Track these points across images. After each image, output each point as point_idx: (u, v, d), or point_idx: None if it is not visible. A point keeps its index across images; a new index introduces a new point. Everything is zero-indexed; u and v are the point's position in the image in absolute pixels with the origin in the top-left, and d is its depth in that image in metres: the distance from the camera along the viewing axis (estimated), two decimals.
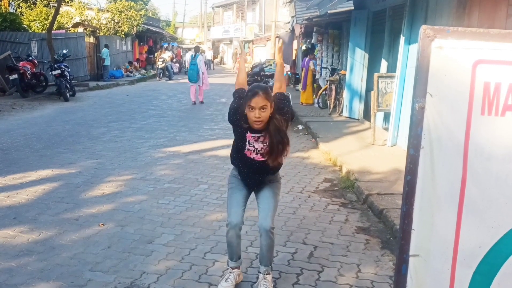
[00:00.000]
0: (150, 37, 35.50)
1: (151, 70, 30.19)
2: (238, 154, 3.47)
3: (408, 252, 1.90)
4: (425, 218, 1.87)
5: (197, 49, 15.66)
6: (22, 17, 20.96)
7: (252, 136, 3.32)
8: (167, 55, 27.61)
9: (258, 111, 3.16)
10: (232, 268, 3.64)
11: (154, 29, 35.48)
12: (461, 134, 1.83)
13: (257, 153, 3.36)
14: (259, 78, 12.55)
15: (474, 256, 1.87)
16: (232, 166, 3.69)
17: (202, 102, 15.35)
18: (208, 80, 15.73)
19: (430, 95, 1.82)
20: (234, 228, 3.48)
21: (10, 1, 21.28)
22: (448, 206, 1.85)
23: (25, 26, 20.40)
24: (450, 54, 1.81)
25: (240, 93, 3.52)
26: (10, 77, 14.76)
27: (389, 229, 4.71)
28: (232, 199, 3.56)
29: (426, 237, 1.88)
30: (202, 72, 14.82)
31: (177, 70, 30.85)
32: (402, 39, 7.99)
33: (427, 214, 1.87)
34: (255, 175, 3.48)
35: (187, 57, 31.57)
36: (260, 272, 3.57)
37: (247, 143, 3.35)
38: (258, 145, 3.34)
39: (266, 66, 15.09)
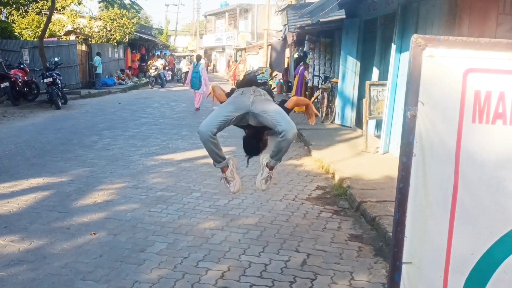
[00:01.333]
0: (142, 45, 35.50)
1: (144, 78, 30.15)
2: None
3: (401, 260, 1.90)
4: (417, 225, 1.88)
5: (199, 58, 16.28)
6: (13, 25, 20.89)
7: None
8: (159, 63, 27.62)
9: None
10: (223, 170, 3.69)
11: (146, 37, 35.47)
12: (452, 141, 1.84)
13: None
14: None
15: (466, 263, 1.88)
16: None
17: (197, 109, 15.50)
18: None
19: (421, 103, 1.84)
20: (207, 138, 3.47)
21: (2, 9, 21.21)
22: (441, 213, 1.86)
23: (17, 34, 20.32)
24: (441, 62, 1.83)
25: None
26: (1, 85, 14.63)
27: (382, 237, 4.72)
28: (216, 113, 3.59)
29: (419, 245, 1.88)
30: (204, 80, 15.34)
31: (170, 78, 30.84)
32: (393, 47, 8.05)
33: (419, 221, 1.88)
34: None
35: (182, 65, 31.78)
36: (267, 165, 3.68)
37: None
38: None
39: (259, 74, 15.11)
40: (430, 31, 6.78)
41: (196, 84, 15.28)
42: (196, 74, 15.29)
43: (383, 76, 9.10)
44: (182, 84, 29.35)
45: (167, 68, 30.84)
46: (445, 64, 1.83)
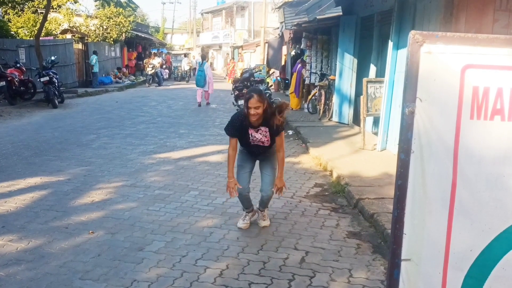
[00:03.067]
0: (139, 43, 35.42)
1: (141, 77, 30.11)
2: (245, 145, 4.76)
3: (400, 257, 1.90)
4: (416, 222, 1.88)
5: (203, 57, 17.07)
6: (9, 23, 20.82)
7: (253, 130, 4.59)
8: (156, 61, 27.56)
9: (254, 109, 4.38)
10: (248, 212, 4.97)
11: (143, 35, 35.41)
12: (451, 138, 1.84)
13: (258, 142, 4.65)
14: (248, 84, 12.59)
15: (465, 260, 1.88)
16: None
17: (208, 104, 16.51)
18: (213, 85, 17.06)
19: (419, 99, 1.84)
20: (244, 196, 4.83)
21: None
22: (439, 210, 1.86)
23: (13, 33, 20.26)
24: (439, 59, 1.82)
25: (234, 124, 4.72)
26: None
27: (380, 234, 4.73)
28: (240, 175, 4.80)
29: (418, 241, 1.88)
30: (209, 78, 16.07)
31: (167, 76, 30.81)
32: (390, 44, 8.05)
33: (418, 218, 1.88)
34: (259, 153, 4.81)
35: (183, 63, 31.89)
36: (260, 209, 4.99)
37: (250, 136, 4.61)
38: (258, 136, 4.61)
39: (256, 72, 15.13)
40: (427, 28, 6.78)
41: (201, 82, 15.98)
42: (201, 73, 15.97)
43: (380, 73, 9.10)
44: (186, 82, 29.39)
45: (164, 66, 30.79)
46: (443, 60, 1.82)
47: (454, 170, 1.84)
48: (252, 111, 4.39)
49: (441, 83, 1.83)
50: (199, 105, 16.18)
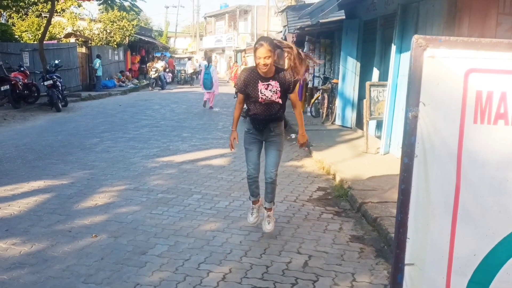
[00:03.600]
0: (142, 47, 35.52)
1: (144, 80, 30.17)
2: (253, 104, 4.46)
3: (403, 261, 1.90)
4: (420, 226, 1.88)
5: (209, 60, 17.67)
6: (13, 27, 20.91)
7: (263, 85, 4.34)
8: (160, 64, 27.63)
9: (263, 59, 4.15)
10: (254, 203, 4.82)
11: (146, 39, 35.51)
12: (454, 142, 1.84)
13: (267, 99, 4.38)
14: None
15: (469, 264, 1.87)
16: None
17: (211, 108, 16.56)
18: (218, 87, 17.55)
19: (423, 104, 1.84)
20: (253, 179, 4.67)
21: (2, 12, 21.23)
22: (443, 214, 1.86)
23: (17, 36, 20.34)
24: (442, 63, 1.83)
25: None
26: (2, 88, 14.64)
27: (383, 238, 4.71)
28: (249, 156, 4.65)
29: (421, 246, 1.88)
30: (215, 80, 16.48)
31: (170, 79, 30.88)
32: (393, 47, 8.05)
33: (421, 222, 1.87)
34: (266, 116, 4.48)
35: (187, 66, 32.09)
36: (265, 208, 4.73)
37: (259, 92, 4.36)
38: (268, 93, 4.36)
39: None
40: (430, 31, 6.77)
41: (208, 84, 16.38)
42: (208, 76, 16.38)
43: (383, 76, 9.09)
44: (190, 86, 29.45)
45: (167, 70, 30.86)
46: (446, 65, 1.82)
47: (457, 174, 1.84)
48: (262, 61, 4.17)
49: (445, 87, 1.83)
50: (204, 106, 16.51)
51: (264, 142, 4.67)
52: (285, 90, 4.42)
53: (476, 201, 1.85)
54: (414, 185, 1.86)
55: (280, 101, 4.44)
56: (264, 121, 4.52)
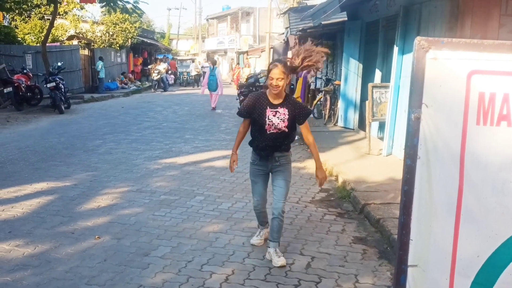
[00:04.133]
0: (144, 49, 35.58)
1: (146, 82, 30.22)
2: (258, 132, 4.25)
3: (406, 263, 1.90)
4: (423, 228, 1.88)
5: (214, 62, 17.82)
6: (16, 30, 20.98)
7: (271, 111, 4.14)
8: (162, 66, 27.67)
9: (276, 80, 4.02)
10: (262, 228, 4.66)
11: (148, 41, 35.56)
12: (457, 144, 1.84)
13: (275, 128, 4.16)
14: (253, 89, 12.64)
15: (472, 266, 1.87)
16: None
17: (214, 109, 16.86)
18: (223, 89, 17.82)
19: (425, 105, 1.84)
20: (260, 210, 4.50)
21: (5, 14, 21.29)
22: (446, 216, 1.86)
23: (20, 39, 20.41)
24: (445, 64, 1.83)
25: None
26: (5, 90, 14.71)
27: (386, 239, 4.71)
28: (255, 188, 4.44)
29: (424, 247, 1.88)
30: (220, 82, 16.78)
31: (172, 81, 30.92)
32: (395, 49, 8.05)
33: (424, 224, 1.87)
34: (272, 147, 4.23)
35: (191, 68, 32.27)
36: (270, 247, 4.29)
37: (266, 118, 4.14)
38: (275, 120, 4.14)
39: (261, 77, 15.16)
40: (432, 33, 6.77)
41: (213, 86, 16.74)
42: (213, 77, 16.70)
43: (386, 78, 9.08)
44: (193, 87, 29.51)
45: (169, 72, 30.91)
46: (448, 66, 1.83)
47: (460, 176, 1.84)
48: (274, 82, 4.01)
49: (447, 89, 1.83)
50: (213, 109, 16.92)
51: (270, 173, 4.40)
52: (294, 118, 4.19)
53: (479, 203, 1.85)
54: (417, 186, 1.86)
55: (287, 131, 4.19)
56: (269, 152, 4.25)
